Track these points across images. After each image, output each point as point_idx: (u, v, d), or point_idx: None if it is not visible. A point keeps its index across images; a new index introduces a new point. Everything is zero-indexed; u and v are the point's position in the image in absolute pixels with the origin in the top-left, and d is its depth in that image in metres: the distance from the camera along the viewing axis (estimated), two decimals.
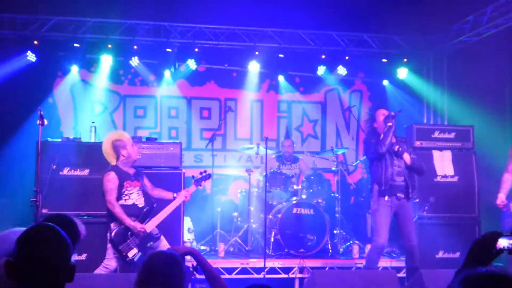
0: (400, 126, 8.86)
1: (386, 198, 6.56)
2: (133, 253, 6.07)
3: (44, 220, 3.75)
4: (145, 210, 6.22)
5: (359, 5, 8.45)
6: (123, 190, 6.22)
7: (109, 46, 9.03)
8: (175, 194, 6.44)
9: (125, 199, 6.21)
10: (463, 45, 8.87)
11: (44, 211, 6.64)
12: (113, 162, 6.31)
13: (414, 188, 6.78)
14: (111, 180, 6.11)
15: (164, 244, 6.32)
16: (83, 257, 6.92)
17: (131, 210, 6.16)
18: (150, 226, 6.19)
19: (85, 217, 6.98)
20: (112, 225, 6.11)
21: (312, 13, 8.80)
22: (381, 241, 6.56)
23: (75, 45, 8.94)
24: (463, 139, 8.11)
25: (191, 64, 9.50)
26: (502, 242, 2.54)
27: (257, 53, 9.52)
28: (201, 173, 6.66)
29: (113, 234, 6.07)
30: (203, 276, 3.56)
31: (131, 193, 6.25)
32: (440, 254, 7.76)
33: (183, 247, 3.63)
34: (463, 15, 8.33)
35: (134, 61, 9.33)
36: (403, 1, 8.29)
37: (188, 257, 3.52)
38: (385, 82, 10.31)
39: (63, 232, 2.33)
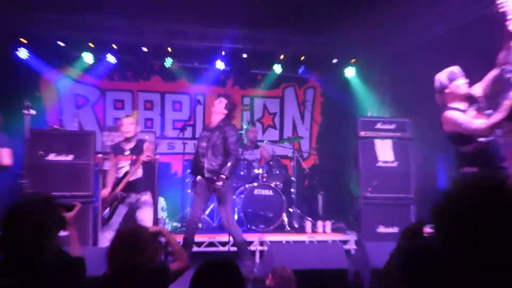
0: (347, 118, 9.40)
1: (198, 177, 6.65)
2: (105, 212, 6.42)
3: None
4: (120, 178, 6.44)
5: (310, 10, 8.23)
6: (117, 164, 6.51)
7: (90, 44, 9.08)
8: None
9: (118, 173, 6.51)
10: (406, 47, 8.82)
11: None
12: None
13: (214, 169, 6.46)
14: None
15: (143, 213, 6.56)
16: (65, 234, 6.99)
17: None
18: (107, 191, 6.52)
19: (69, 197, 6.73)
20: None
21: (272, 18, 8.59)
22: (190, 216, 6.73)
23: (59, 43, 8.91)
24: (402, 129, 8.21)
25: (167, 62, 9.67)
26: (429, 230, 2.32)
27: (223, 53, 9.59)
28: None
29: None
30: None
31: (123, 167, 6.49)
32: (381, 229, 7.87)
33: (153, 227, 3.68)
34: (406, 18, 8.22)
35: (112, 59, 9.47)
36: (351, 7, 7.91)
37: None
38: (338, 79, 10.43)
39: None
